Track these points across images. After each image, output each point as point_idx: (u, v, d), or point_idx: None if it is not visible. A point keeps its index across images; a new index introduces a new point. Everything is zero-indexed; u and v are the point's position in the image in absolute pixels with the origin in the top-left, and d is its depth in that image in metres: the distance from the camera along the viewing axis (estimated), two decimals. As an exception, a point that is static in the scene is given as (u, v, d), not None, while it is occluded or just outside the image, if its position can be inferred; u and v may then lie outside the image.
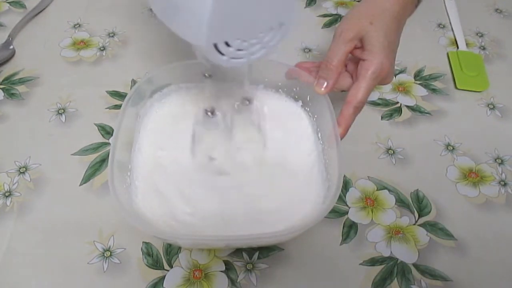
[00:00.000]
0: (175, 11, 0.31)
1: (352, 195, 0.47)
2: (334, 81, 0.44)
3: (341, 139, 0.42)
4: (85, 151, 0.50)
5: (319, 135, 0.46)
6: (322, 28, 0.65)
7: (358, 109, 0.43)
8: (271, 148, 0.46)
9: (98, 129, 0.52)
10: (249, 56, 0.33)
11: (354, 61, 0.46)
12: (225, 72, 0.46)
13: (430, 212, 0.46)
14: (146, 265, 0.42)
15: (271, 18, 0.31)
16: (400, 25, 0.45)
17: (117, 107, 0.54)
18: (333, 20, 0.66)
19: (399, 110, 0.55)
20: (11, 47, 0.60)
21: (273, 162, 0.44)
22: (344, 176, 0.48)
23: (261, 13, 0.31)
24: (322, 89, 0.44)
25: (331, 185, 0.39)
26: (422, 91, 0.57)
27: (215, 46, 0.30)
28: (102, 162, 0.49)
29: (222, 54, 0.31)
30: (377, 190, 0.48)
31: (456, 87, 0.57)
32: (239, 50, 0.32)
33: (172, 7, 0.31)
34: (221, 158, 0.44)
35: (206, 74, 0.38)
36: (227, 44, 0.31)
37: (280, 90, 0.50)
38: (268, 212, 0.41)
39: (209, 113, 0.41)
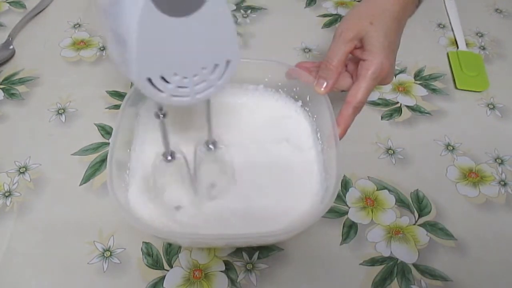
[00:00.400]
0: (116, 43, 0.28)
1: (352, 195, 0.47)
2: (334, 81, 0.44)
3: (340, 139, 0.42)
4: (85, 151, 0.50)
5: (319, 135, 0.46)
6: (322, 28, 0.65)
7: (357, 109, 0.43)
8: (270, 147, 0.46)
9: (98, 129, 0.52)
10: (194, 94, 0.29)
11: (354, 61, 0.46)
12: (183, 110, 0.41)
13: (430, 212, 0.46)
14: (146, 265, 0.42)
15: (212, 54, 0.29)
16: (401, 26, 0.45)
17: (117, 107, 0.54)
18: (333, 20, 0.66)
19: (399, 110, 0.55)
20: (11, 47, 0.60)
21: (272, 162, 0.44)
22: (344, 176, 0.48)
23: (199, 48, 0.27)
24: (322, 89, 0.44)
25: (330, 185, 0.39)
26: (422, 91, 0.57)
27: (150, 81, 0.27)
28: (102, 162, 0.49)
29: (160, 91, 0.28)
30: (377, 190, 0.48)
31: (456, 87, 0.57)
32: (180, 87, 0.29)
33: (114, 38, 0.28)
34: (187, 207, 0.41)
35: (159, 114, 0.33)
36: (164, 79, 0.28)
37: (280, 90, 0.50)
38: (267, 212, 0.41)
39: (169, 157, 0.37)
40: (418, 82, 0.58)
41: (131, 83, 0.56)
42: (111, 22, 0.27)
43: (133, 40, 0.25)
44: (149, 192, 0.42)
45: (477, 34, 0.65)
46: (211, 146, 0.38)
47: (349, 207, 0.46)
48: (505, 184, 0.48)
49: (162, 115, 0.33)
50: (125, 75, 0.29)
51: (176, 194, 0.41)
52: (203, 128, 0.37)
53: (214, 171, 0.41)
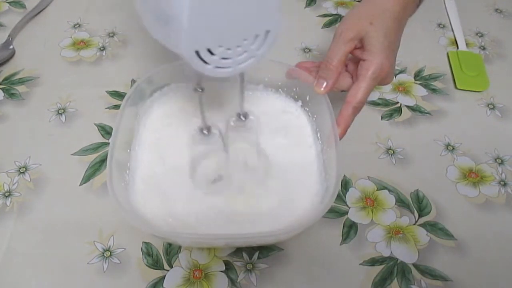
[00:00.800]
0: (159, 21, 0.30)
1: (352, 195, 0.47)
2: (334, 81, 0.44)
3: (340, 139, 0.42)
4: (85, 151, 0.50)
5: (319, 135, 0.46)
6: (322, 28, 0.65)
7: (357, 109, 0.43)
8: (270, 148, 0.46)
9: (98, 129, 0.52)
10: (236, 65, 0.31)
11: (354, 61, 0.46)
12: (218, 85, 0.44)
13: (430, 212, 0.46)
14: (146, 265, 0.42)
15: (254, 24, 0.30)
16: (401, 26, 0.44)
17: (117, 107, 0.54)
18: (333, 20, 0.66)
19: (399, 110, 0.55)
20: (11, 47, 0.60)
21: (272, 162, 0.44)
22: (344, 176, 0.48)
23: (243, 19, 0.29)
24: (322, 89, 0.44)
25: (330, 185, 0.39)
26: (422, 91, 0.57)
27: (198, 54, 0.29)
28: (102, 162, 0.49)
29: (206, 63, 0.30)
30: (377, 190, 0.48)
31: (456, 87, 0.58)
32: (224, 58, 0.30)
33: (155, 16, 0.30)
34: (221, 180, 0.43)
35: (198, 88, 0.36)
36: (210, 52, 0.30)
37: (280, 90, 0.50)
38: (267, 212, 0.41)
39: (205, 132, 0.39)
40: (418, 82, 0.58)
41: (131, 82, 0.56)
42: (155, 3, 0.29)
43: (183, 15, 0.27)
44: (150, 191, 0.42)
45: (477, 34, 0.65)
46: (242, 118, 0.40)
47: (349, 207, 0.46)
48: (505, 184, 0.48)
49: (200, 89, 0.35)
50: (171, 50, 0.30)
51: (212, 167, 0.42)
52: (231, 104, 0.40)
53: (245, 143, 0.43)
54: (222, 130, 0.41)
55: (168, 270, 0.42)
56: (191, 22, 0.27)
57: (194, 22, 0.27)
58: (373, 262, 0.43)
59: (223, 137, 0.41)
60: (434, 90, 0.57)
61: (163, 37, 0.30)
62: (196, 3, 0.27)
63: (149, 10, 0.30)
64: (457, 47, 0.62)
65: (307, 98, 0.48)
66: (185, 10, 0.27)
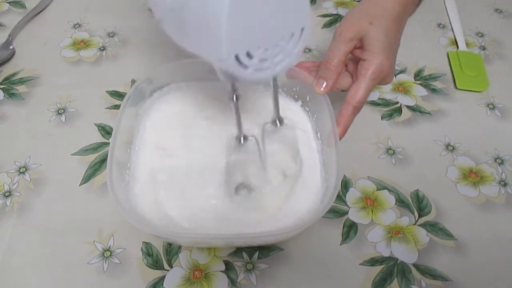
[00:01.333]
0: (190, 30, 0.29)
1: (352, 195, 0.47)
2: (334, 81, 0.44)
3: (340, 139, 0.42)
4: (85, 151, 0.50)
5: (318, 134, 0.46)
6: (322, 28, 0.65)
7: (357, 109, 0.43)
8: (270, 147, 0.46)
9: (98, 129, 0.52)
10: (274, 66, 0.31)
11: (354, 61, 0.46)
12: (249, 91, 0.44)
13: (430, 212, 0.46)
14: (146, 265, 0.42)
15: (290, 22, 0.30)
16: (401, 25, 0.44)
17: (117, 107, 0.54)
18: (333, 20, 0.66)
19: (399, 110, 0.55)
20: (11, 47, 0.60)
21: (272, 162, 0.44)
22: (344, 176, 0.48)
23: (279, 18, 0.30)
24: (322, 89, 0.44)
25: (330, 184, 0.39)
26: (422, 91, 0.57)
27: (237, 59, 0.29)
28: (102, 162, 0.49)
29: (245, 67, 0.30)
30: (377, 190, 0.48)
31: (456, 87, 0.57)
32: (262, 60, 0.30)
33: (187, 26, 0.29)
34: (256, 189, 0.43)
35: (234, 97, 0.35)
36: (249, 55, 0.29)
37: (280, 90, 0.50)
38: (266, 212, 0.41)
39: (241, 140, 0.39)
40: (418, 82, 0.58)
41: (131, 82, 0.56)
42: (190, 12, 0.29)
43: (223, 19, 0.26)
44: (149, 191, 0.42)
45: (477, 34, 0.65)
46: (277, 123, 0.40)
47: (349, 207, 0.46)
48: (505, 184, 0.48)
49: (236, 98, 0.35)
50: (205, 59, 0.30)
51: (251, 176, 0.42)
52: (265, 111, 0.40)
53: (281, 149, 0.43)
54: (257, 138, 0.41)
55: (168, 270, 0.42)
56: (230, 25, 0.27)
57: (233, 24, 0.27)
58: (373, 262, 0.43)
59: (259, 146, 0.42)
60: (434, 90, 0.57)
61: (196, 46, 0.30)
62: (235, 4, 0.26)
63: (178, 16, 0.30)
64: (457, 47, 0.62)
65: (307, 98, 0.48)
66: (225, 13, 0.26)
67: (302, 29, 0.31)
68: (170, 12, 0.30)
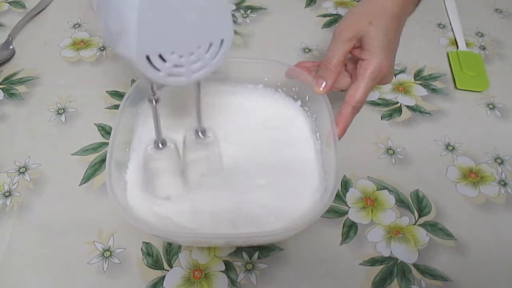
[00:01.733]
0: (111, 24, 0.29)
1: (352, 195, 0.47)
2: (333, 81, 0.44)
3: (339, 138, 0.42)
4: (85, 151, 0.50)
5: (318, 134, 0.46)
6: (322, 28, 0.65)
7: (356, 109, 0.43)
8: (269, 147, 0.46)
9: (98, 129, 0.52)
10: (190, 74, 0.30)
11: (353, 60, 0.46)
12: (175, 96, 0.43)
13: (430, 212, 0.46)
14: (146, 265, 0.42)
15: (207, 32, 0.30)
16: (400, 25, 0.45)
17: (117, 107, 0.53)
18: (333, 20, 0.66)
19: (399, 110, 0.55)
20: (11, 47, 0.60)
21: (271, 161, 0.44)
22: (344, 176, 0.48)
23: (195, 26, 0.29)
24: (321, 89, 0.44)
25: (329, 184, 0.39)
26: (422, 91, 0.57)
27: (149, 60, 0.28)
28: (102, 162, 0.49)
29: (158, 69, 0.29)
30: (377, 190, 0.48)
31: (456, 87, 0.57)
32: (177, 66, 0.30)
33: (109, 22, 0.29)
34: (176, 197, 0.42)
35: (152, 99, 0.34)
36: (162, 58, 0.29)
37: (279, 89, 0.50)
38: (267, 211, 0.41)
39: (159, 145, 0.38)
40: (418, 82, 0.58)
41: (131, 82, 0.56)
42: (108, 5, 0.28)
43: (133, 18, 0.26)
44: (143, 184, 0.42)
45: (477, 34, 0.65)
46: (200, 134, 0.39)
47: (349, 207, 0.46)
48: (505, 184, 0.48)
49: (154, 100, 0.34)
50: (122, 56, 0.30)
51: (166, 184, 0.41)
52: (192, 116, 0.38)
53: (203, 160, 0.41)
54: (178, 144, 0.40)
55: (168, 270, 0.42)
56: (141, 25, 0.27)
57: (144, 25, 0.27)
58: (373, 262, 0.43)
59: (179, 151, 0.40)
60: (434, 90, 0.57)
61: (116, 43, 0.30)
62: (146, 5, 0.26)
63: (102, 14, 0.30)
64: (457, 47, 0.62)
65: (306, 98, 0.48)
66: (135, 13, 0.26)
67: (222, 41, 0.31)
68: (97, 7, 0.30)
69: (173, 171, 0.41)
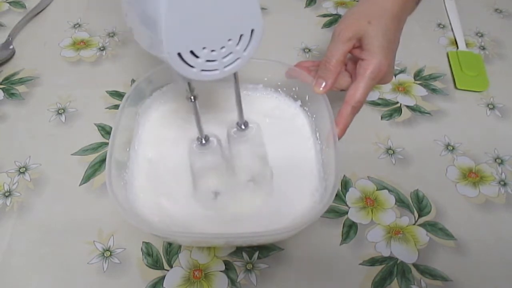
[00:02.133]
0: (142, 25, 0.29)
1: (352, 195, 0.47)
2: (333, 81, 0.44)
3: (339, 138, 0.42)
4: (85, 151, 0.50)
5: (318, 134, 0.46)
6: (322, 28, 0.65)
7: (356, 109, 0.43)
8: (269, 147, 0.46)
9: (98, 129, 0.52)
10: (222, 67, 0.31)
11: (353, 60, 0.46)
12: (212, 93, 0.43)
13: (430, 212, 0.46)
14: (146, 265, 0.42)
15: (237, 24, 0.29)
16: (400, 24, 0.44)
17: (117, 107, 0.53)
18: (333, 20, 0.66)
19: (399, 110, 0.55)
20: (11, 47, 0.60)
21: (271, 161, 0.44)
22: (344, 176, 0.48)
23: (225, 18, 0.29)
24: (321, 89, 0.44)
25: (329, 184, 0.39)
26: (422, 91, 0.57)
27: (181, 56, 0.29)
28: (102, 162, 0.49)
29: (191, 66, 0.29)
30: (377, 190, 0.48)
31: (456, 87, 0.57)
32: (209, 61, 0.30)
33: (140, 20, 0.29)
34: (225, 194, 0.41)
35: (191, 97, 0.35)
36: (194, 54, 0.29)
37: (279, 89, 0.50)
38: (267, 211, 0.41)
39: (202, 140, 0.38)
40: (418, 82, 0.58)
41: (131, 82, 0.56)
42: (138, 6, 0.29)
43: (162, 16, 0.26)
44: (149, 190, 0.42)
45: (477, 34, 0.65)
46: (242, 126, 0.39)
47: (349, 207, 0.46)
48: (505, 184, 0.48)
49: (193, 98, 0.34)
50: (157, 56, 0.30)
51: (213, 180, 0.41)
52: (230, 112, 0.39)
53: (248, 152, 0.42)
54: (221, 140, 0.40)
55: (168, 270, 0.42)
56: (168, 22, 0.27)
57: (172, 22, 0.27)
58: (373, 262, 0.43)
59: (222, 146, 0.40)
60: (434, 90, 0.57)
61: (148, 43, 0.30)
62: (172, 3, 0.26)
63: (134, 14, 0.30)
64: (457, 47, 0.62)
65: (306, 98, 0.48)
66: (163, 10, 0.26)
67: (252, 31, 0.30)
68: (129, 6, 0.30)
69: (219, 166, 0.41)
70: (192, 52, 0.29)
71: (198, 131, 0.38)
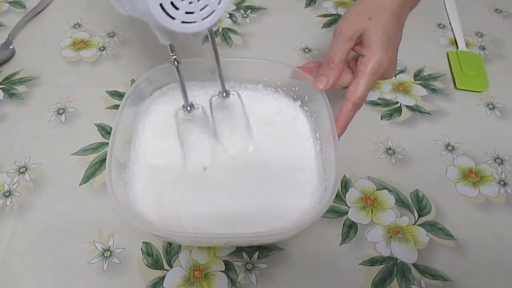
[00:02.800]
0: None
1: (352, 195, 0.47)
2: (335, 79, 0.44)
3: (339, 136, 0.42)
4: (85, 151, 0.50)
5: (317, 134, 0.46)
6: (322, 28, 0.65)
7: (357, 106, 0.43)
8: (269, 147, 0.46)
9: (98, 129, 0.52)
10: (201, 19, 0.33)
11: (355, 57, 0.45)
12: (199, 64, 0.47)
13: (430, 212, 0.46)
14: (146, 265, 0.42)
15: None
16: (400, 21, 0.44)
17: (117, 107, 0.53)
18: (333, 20, 0.66)
19: (399, 110, 0.55)
20: (11, 47, 0.60)
21: (271, 161, 0.44)
22: (344, 176, 0.48)
23: None
24: (321, 86, 0.44)
25: (329, 184, 0.39)
26: (422, 91, 0.57)
27: (163, 8, 0.31)
28: (102, 162, 0.49)
29: (172, 18, 0.32)
30: (377, 190, 0.48)
31: (456, 87, 0.57)
32: (188, 13, 0.32)
33: None
34: (213, 167, 0.44)
35: (174, 60, 0.38)
36: (174, 6, 0.31)
37: (279, 89, 0.50)
38: (266, 211, 0.41)
39: (188, 107, 0.41)
40: (418, 82, 0.58)
41: (131, 82, 0.56)
42: None
43: None
44: (148, 190, 0.42)
45: (477, 34, 0.65)
46: (224, 94, 0.43)
47: (349, 207, 0.46)
48: (505, 184, 0.48)
49: (176, 61, 0.38)
50: (137, 16, 0.33)
51: (202, 150, 0.44)
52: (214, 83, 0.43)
53: (231, 117, 0.45)
54: (205, 109, 0.43)
55: (168, 270, 0.42)
56: None
57: None
58: (373, 262, 0.43)
59: (206, 114, 0.43)
60: (434, 90, 0.57)
61: (129, 4, 0.32)
62: None
63: None
64: (457, 47, 0.62)
65: (306, 98, 0.48)
66: None
67: None
68: None
69: (206, 132, 0.44)
70: (172, 3, 0.31)
71: (183, 96, 0.40)
